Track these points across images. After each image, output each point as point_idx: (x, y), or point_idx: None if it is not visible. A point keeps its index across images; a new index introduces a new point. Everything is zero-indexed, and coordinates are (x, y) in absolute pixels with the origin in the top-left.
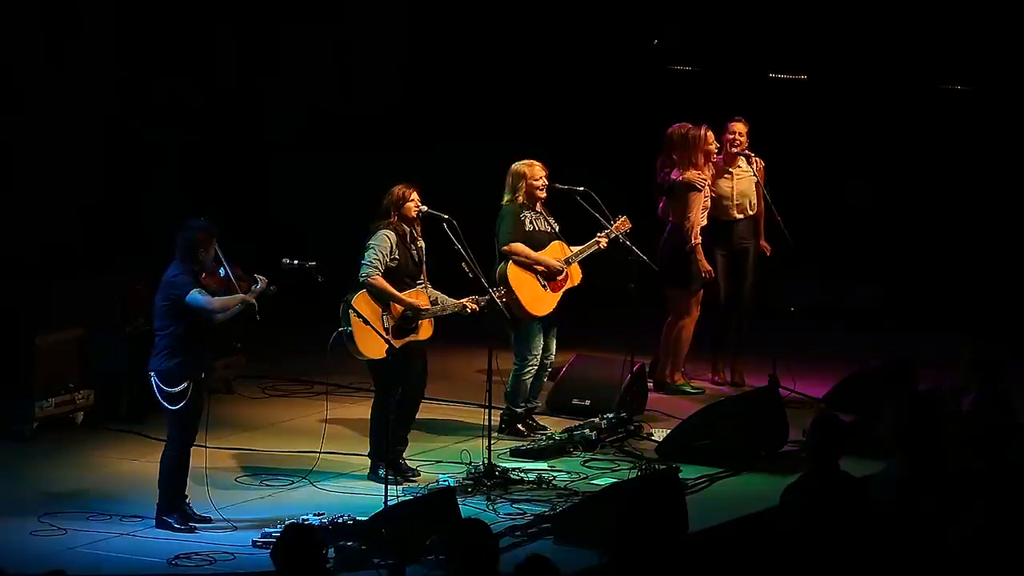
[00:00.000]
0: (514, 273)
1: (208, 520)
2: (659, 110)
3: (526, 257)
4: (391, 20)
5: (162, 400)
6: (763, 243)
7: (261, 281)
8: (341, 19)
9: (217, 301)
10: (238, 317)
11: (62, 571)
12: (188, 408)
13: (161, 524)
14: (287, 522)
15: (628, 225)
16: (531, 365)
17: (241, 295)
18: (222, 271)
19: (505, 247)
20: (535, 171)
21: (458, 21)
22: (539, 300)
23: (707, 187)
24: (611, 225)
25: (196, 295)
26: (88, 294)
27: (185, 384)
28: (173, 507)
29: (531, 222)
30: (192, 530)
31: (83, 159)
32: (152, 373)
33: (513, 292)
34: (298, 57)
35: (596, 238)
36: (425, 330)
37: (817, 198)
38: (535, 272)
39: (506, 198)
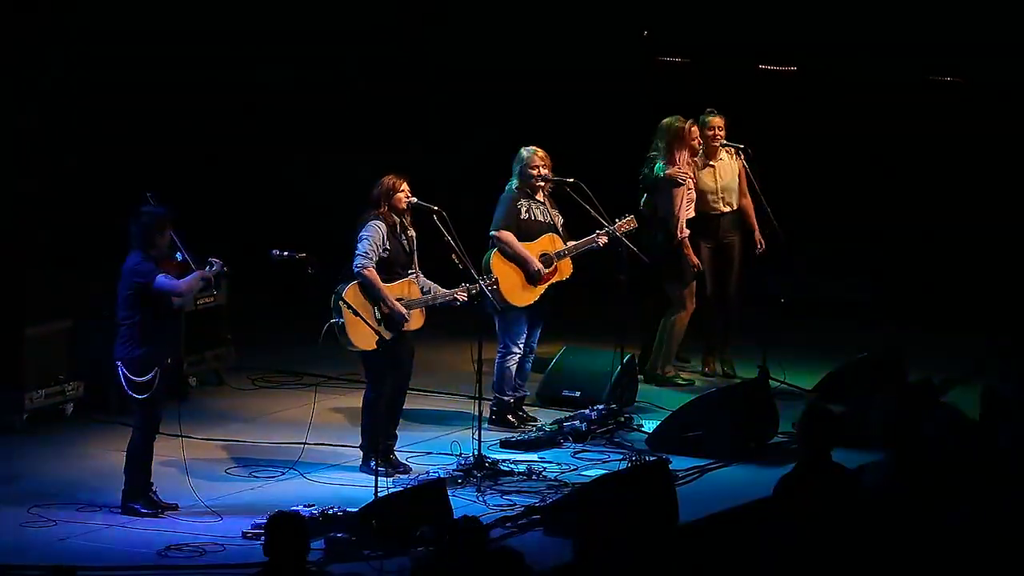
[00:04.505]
0: (497, 262)
1: (175, 507)
2: (648, 102)
3: (511, 249)
4: (383, 10)
5: (128, 390)
6: (758, 236)
7: (217, 263)
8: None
9: (183, 284)
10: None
11: (72, 567)
12: (155, 397)
13: (127, 511)
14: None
15: (633, 224)
16: (514, 353)
17: (199, 272)
18: (179, 256)
19: (494, 233)
20: (533, 159)
21: (449, 13)
22: (519, 290)
23: (690, 180)
24: (612, 224)
25: (162, 279)
26: (77, 285)
27: (152, 373)
28: (138, 493)
29: (527, 211)
30: (159, 515)
31: (73, 150)
32: (119, 363)
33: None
34: (292, 49)
35: (595, 235)
36: (416, 320)
37: (807, 190)
38: (519, 264)
39: (510, 183)
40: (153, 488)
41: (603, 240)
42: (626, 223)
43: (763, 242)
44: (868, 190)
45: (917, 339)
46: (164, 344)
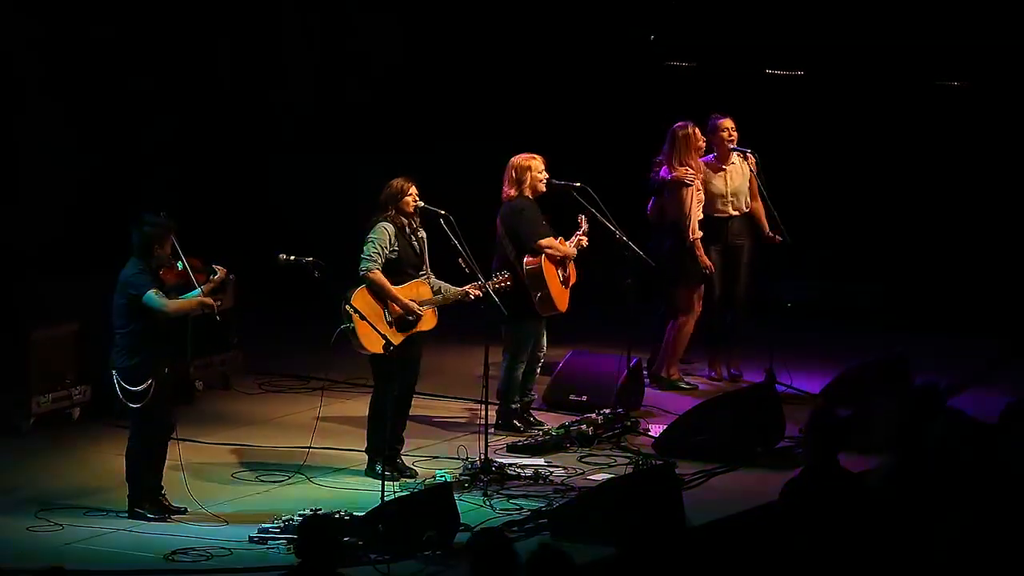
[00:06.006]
0: (548, 269)
1: (183, 511)
2: (655, 107)
3: (558, 254)
4: (388, 17)
5: (124, 398)
6: (770, 234)
7: (220, 271)
8: (340, 15)
9: (172, 305)
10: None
11: (61, 566)
12: (150, 406)
13: (134, 515)
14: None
15: (587, 224)
16: (522, 361)
17: (199, 299)
18: (180, 264)
19: (541, 241)
20: (539, 164)
21: (453, 18)
22: (562, 296)
23: (697, 181)
24: (581, 227)
25: (152, 296)
26: (83, 289)
27: (148, 383)
28: (144, 498)
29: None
30: (166, 519)
31: (81, 154)
32: (114, 371)
33: (546, 287)
34: (298, 53)
35: (576, 237)
36: (428, 321)
37: (814, 195)
38: (559, 267)
39: (512, 192)
40: (163, 492)
41: (584, 241)
42: (585, 220)
43: (777, 237)
44: (875, 194)
45: (924, 343)
46: (160, 353)
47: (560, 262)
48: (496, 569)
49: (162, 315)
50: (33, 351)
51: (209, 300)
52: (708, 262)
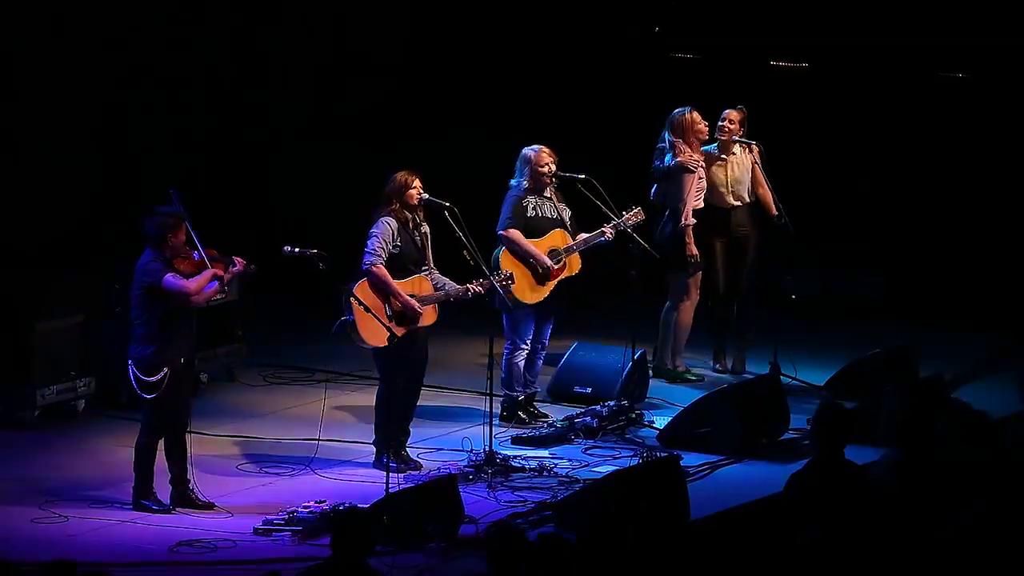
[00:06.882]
0: (506, 260)
1: (212, 506)
2: (660, 98)
3: (519, 247)
4: (391, 8)
5: (137, 388)
6: (775, 212)
7: (239, 263)
8: (340, 14)
9: (192, 283)
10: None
11: (72, 561)
12: (163, 397)
13: (138, 507)
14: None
15: (641, 216)
16: (521, 350)
17: (212, 270)
18: (196, 255)
19: (501, 232)
20: (541, 157)
21: (458, 8)
22: (529, 289)
23: (700, 168)
24: (620, 216)
25: (170, 278)
26: (88, 281)
27: (163, 373)
28: (149, 491)
29: (534, 208)
30: (169, 511)
31: (82, 146)
32: (130, 361)
33: None
34: (299, 44)
35: (603, 228)
36: (428, 316)
37: (818, 186)
38: (525, 260)
39: (514, 181)
40: (192, 487)
41: (610, 233)
42: (634, 215)
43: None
44: (879, 186)
45: (929, 335)
46: (175, 344)
47: (526, 259)
48: (512, 562)
49: (183, 295)
50: (38, 343)
51: (221, 272)
52: (695, 251)
